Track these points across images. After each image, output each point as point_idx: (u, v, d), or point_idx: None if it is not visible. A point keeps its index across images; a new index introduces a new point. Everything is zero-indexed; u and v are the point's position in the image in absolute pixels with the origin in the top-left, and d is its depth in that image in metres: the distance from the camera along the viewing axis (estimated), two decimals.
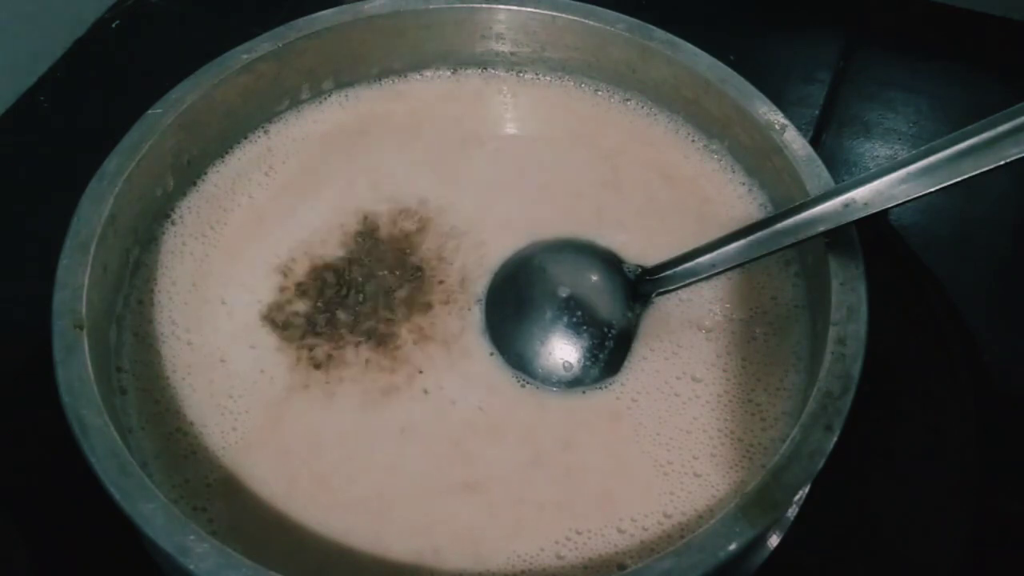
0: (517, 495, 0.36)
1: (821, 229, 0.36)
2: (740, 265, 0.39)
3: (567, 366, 0.38)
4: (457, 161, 0.46)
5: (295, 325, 0.40)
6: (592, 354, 0.39)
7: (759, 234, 0.38)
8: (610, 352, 0.39)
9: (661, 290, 0.40)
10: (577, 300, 0.40)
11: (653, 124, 0.47)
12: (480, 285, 0.41)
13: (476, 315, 0.40)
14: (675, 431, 0.37)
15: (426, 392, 0.38)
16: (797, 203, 0.38)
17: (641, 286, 0.41)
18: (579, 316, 0.39)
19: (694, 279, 0.40)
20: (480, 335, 0.40)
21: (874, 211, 0.35)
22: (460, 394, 0.38)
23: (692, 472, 0.36)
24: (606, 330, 0.39)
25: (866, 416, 0.34)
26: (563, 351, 0.39)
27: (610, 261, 0.41)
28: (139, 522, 0.30)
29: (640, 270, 0.41)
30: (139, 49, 0.59)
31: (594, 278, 0.41)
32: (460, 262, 0.42)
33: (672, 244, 0.41)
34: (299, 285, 0.41)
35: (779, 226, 0.38)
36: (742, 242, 0.39)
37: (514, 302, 0.40)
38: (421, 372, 0.39)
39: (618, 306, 0.40)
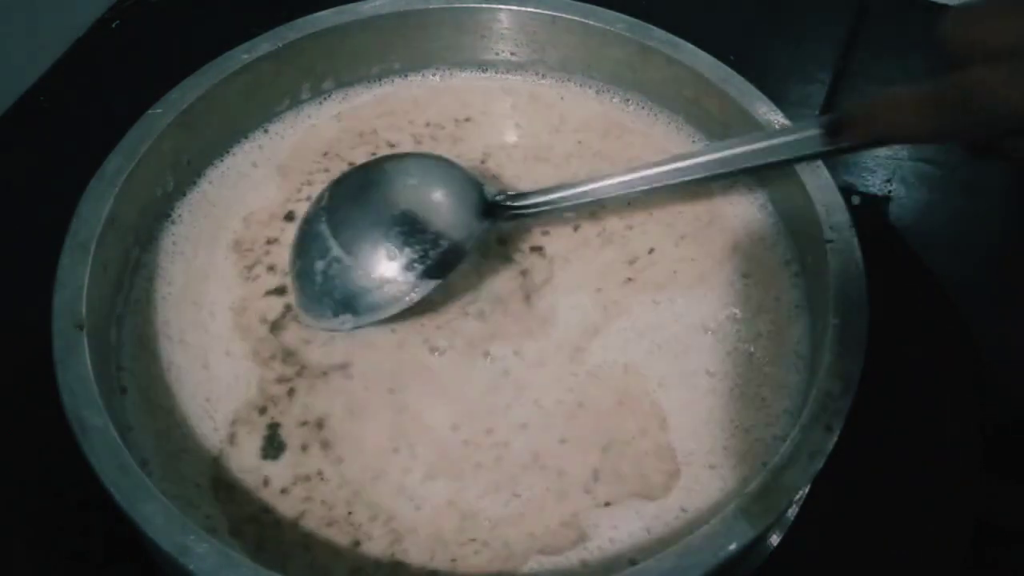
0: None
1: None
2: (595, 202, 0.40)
3: (391, 254, 0.37)
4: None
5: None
6: (417, 257, 0.37)
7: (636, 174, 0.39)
8: (436, 258, 0.37)
9: (517, 211, 0.40)
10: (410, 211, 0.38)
11: (653, 124, 0.47)
12: None
13: None
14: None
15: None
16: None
17: (496, 208, 0.40)
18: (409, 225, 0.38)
19: (553, 205, 0.40)
20: None
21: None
22: None
23: (707, 464, 0.36)
24: (436, 240, 0.37)
25: (866, 416, 0.34)
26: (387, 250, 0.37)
27: (458, 177, 0.40)
28: (139, 522, 0.30)
29: (502, 195, 0.40)
30: (139, 49, 0.59)
31: (435, 193, 0.40)
32: None
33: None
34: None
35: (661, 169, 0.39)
36: (610, 181, 0.40)
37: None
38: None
39: (457, 220, 0.38)
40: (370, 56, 0.48)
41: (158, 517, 0.30)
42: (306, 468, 0.36)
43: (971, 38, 0.28)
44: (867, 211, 0.52)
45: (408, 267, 0.37)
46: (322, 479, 0.36)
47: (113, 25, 0.60)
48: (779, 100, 0.43)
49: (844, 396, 0.34)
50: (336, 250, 0.37)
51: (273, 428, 0.37)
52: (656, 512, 0.35)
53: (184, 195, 0.44)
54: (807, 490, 0.38)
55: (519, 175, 0.46)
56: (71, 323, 0.35)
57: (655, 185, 0.40)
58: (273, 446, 0.37)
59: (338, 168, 0.45)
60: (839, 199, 0.40)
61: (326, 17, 0.46)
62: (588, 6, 0.47)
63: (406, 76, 0.49)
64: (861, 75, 0.59)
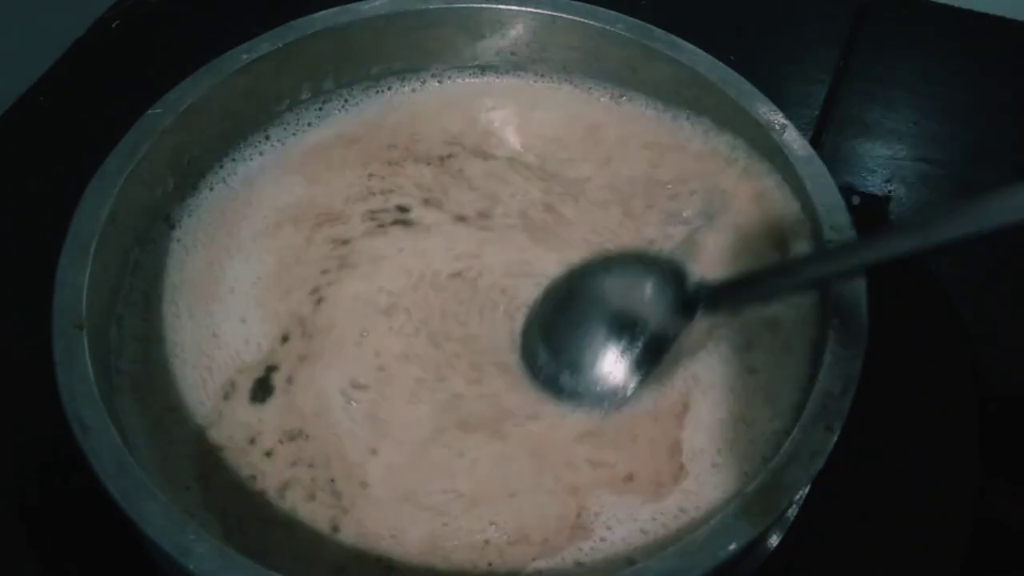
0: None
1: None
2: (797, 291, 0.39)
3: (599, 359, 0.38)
4: (457, 161, 0.46)
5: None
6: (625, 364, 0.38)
7: (825, 262, 0.37)
8: (639, 361, 0.38)
9: (714, 308, 0.39)
10: (620, 317, 0.39)
11: (653, 124, 0.47)
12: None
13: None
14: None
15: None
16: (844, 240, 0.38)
17: (694, 302, 0.39)
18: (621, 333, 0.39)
19: (750, 303, 0.39)
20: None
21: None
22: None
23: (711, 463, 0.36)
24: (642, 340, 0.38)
25: (866, 416, 0.34)
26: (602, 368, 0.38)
27: (662, 271, 0.40)
28: (139, 522, 0.30)
29: (700, 287, 0.40)
30: (139, 49, 0.59)
31: (637, 292, 0.40)
32: None
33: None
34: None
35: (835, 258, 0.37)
36: (804, 269, 0.38)
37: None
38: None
39: (659, 316, 0.39)
40: (370, 56, 0.48)
41: (158, 517, 0.30)
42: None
43: None
44: (867, 211, 0.52)
45: (616, 366, 0.38)
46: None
47: (113, 25, 0.60)
48: (779, 100, 0.43)
49: (844, 396, 0.34)
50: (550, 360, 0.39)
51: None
52: (656, 511, 0.35)
53: (184, 195, 0.44)
54: (807, 490, 0.38)
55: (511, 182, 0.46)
56: (71, 323, 0.35)
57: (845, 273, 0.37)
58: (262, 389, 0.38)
59: (339, 166, 0.45)
60: (839, 199, 0.40)
61: (326, 17, 0.46)
62: (588, 6, 0.47)
63: (406, 76, 0.49)
64: (861, 75, 0.59)
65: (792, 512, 0.39)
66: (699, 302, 0.39)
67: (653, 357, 0.38)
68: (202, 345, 0.39)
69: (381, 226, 0.44)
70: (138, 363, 0.38)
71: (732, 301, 0.39)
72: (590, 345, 0.39)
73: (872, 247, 0.34)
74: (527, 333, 0.40)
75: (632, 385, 0.38)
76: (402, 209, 0.44)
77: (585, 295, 0.40)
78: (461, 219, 0.44)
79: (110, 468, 0.31)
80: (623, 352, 0.38)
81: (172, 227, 0.43)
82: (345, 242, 0.43)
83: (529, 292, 0.41)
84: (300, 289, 0.41)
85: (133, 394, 0.37)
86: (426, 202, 0.45)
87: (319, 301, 0.41)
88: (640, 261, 0.42)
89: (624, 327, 0.39)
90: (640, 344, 0.38)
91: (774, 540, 0.38)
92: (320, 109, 0.48)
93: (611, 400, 0.38)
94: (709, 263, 0.42)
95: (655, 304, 0.39)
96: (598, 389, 0.38)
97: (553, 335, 0.39)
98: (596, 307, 0.40)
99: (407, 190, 0.45)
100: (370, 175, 0.45)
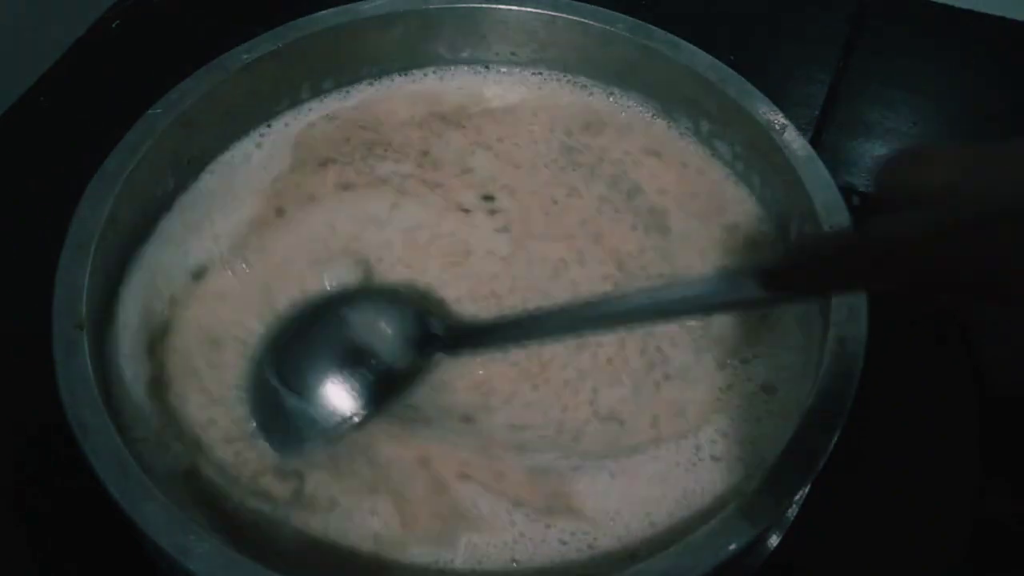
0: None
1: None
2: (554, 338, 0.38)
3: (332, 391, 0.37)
4: (457, 161, 0.46)
5: None
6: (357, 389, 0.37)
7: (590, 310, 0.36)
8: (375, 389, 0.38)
9: (454, 350, 0.39)
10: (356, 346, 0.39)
11: (652, 124, 0.47)
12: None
13: None
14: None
15: None
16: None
17: (437, 340, 0.39)
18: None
19: (496, 345, 0.39)
20: None
21: None
22: None
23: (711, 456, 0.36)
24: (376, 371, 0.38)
25: (866, 416, 0.34)
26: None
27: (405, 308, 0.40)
28: (139, 522, 0.30)
29: (445, 325, 0.39)
30: (139, 49, 0.59)
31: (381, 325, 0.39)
32: None
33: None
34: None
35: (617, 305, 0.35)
36: (564, 319, 0.36)
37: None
38: None
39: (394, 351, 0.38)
40: (370, 56, 0.48)
41: (158, 517, 0.30)
42: None
43: (898, 183, 0.26)
44: (867, 211, 0.52)
45: (348, 398, 0.37)
46: None
47: (113, 25, 0.60)
48: (779, 100, 0.43)
49: (844, 396, 0.34)
50: (282, 391, 0.37)
51: None
52: (656, 510, 0.35)
53: (184, 195, 0.44)
54: (807, 490, 0.38)
55: (512, 182, 0.46)
56: (71, 323, 0.35)
57: (596, 329, 0.38)
58: None
59: (337, 167, 0.45)
60: (839, 199, 0.40)
61: (326, 17, 0.46)
62: (588, 6, 0.47)
63: (406, 76, 0.49)
64: (861, 75, 0.59)
65: (792, 512, 0.39)
66: (440, 342, 0.39)
67: (386, 390, 0.38)
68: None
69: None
70: (138, 363, 0.38)
71: (475, 343, 0.39)
72: (321, 373, 0.38)
73: (619, 307, 0.34)
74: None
75: (361, 414, 0.37)
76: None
77: (323, 326, 0.39)
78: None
79: (110, 468, 0.31)
80: (353, 382, 0.37)
81: (172, 226, 0.43)
82: None
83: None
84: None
85: (133, 394, 0.37)
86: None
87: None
88: (386, 297, 0.41)
89: (357, 358, 0.38)
90: (372, 376, 0.38)
91: (774, 540, 0.38)
92: (320, 108, 0.48)
93: (337, 427, 0.37)
94: (709, 263, 0.42)
95: (391, 339, 0.39)
96: (325, 414, 0.37)
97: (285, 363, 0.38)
98: (331, 338, 0.39)
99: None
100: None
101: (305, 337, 0.39)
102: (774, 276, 0.29)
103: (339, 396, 0.37)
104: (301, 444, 0.37)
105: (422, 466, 0.36)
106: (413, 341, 0.39)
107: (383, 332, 0.39)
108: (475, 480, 0.36)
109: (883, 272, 0.25)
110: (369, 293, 0.41)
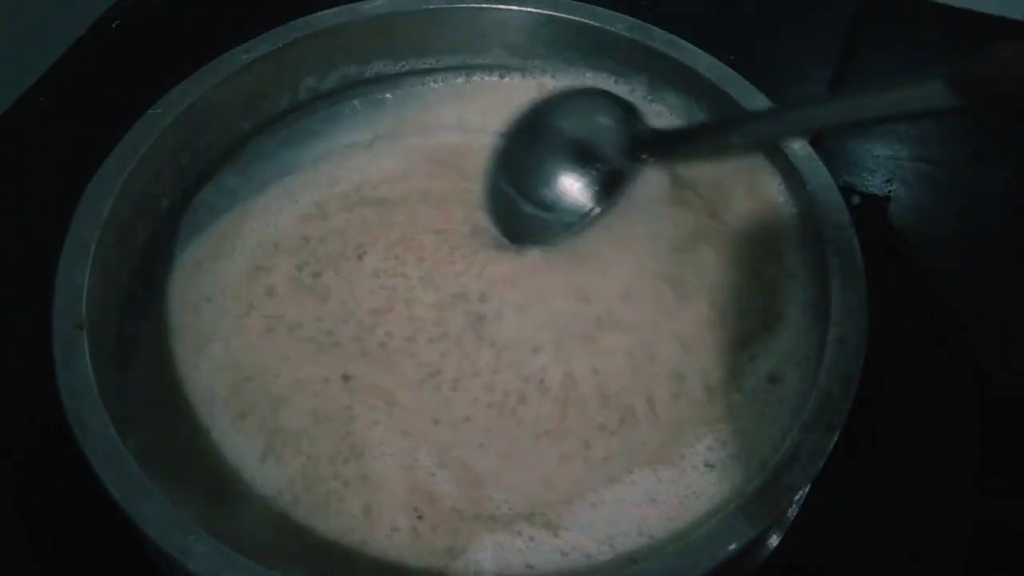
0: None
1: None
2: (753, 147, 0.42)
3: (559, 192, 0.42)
4: (456, 161, 0.46)
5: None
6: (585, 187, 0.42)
7: (780, 117, 0.40)
8: (598, 188, 0.42)
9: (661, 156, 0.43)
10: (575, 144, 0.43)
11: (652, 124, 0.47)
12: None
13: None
14: None
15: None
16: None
17: (646, 146, 0.43)
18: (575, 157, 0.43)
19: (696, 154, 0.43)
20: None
21: None
22: None
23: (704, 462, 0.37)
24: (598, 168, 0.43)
25: (866, 416, 0.34)
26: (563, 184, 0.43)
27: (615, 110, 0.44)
28: (139, 522, 0.30)
29: (653, 132, 0.43)
30: (139, 49, 0.59)
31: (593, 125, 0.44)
32: None
33: None
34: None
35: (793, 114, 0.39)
36: (750, 127, 0.41)
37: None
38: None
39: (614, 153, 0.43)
40: (370, 56, 0.48)
41: (158, 517, 0.30)
42: None
43: None
44: (867, 211, 0.52)
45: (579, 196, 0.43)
46: None
47: (113, 25, 0.60)
48: (779, 100, 0.43)
49: (844, 396, 0.34)
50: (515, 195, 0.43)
51: None
52: (656, 509, 0.35)
53: (184, 195, 0.44)
54: (807, 490, 0.38)
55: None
56: (71, 323, 0.35)
57: (792, 134, 0.40)
58: None
59: (338, 165, 0.45)
60: (839, 199, 0.40)
61: (326, 17, 0.46)
62: (588, 6, 0.47)
63: (406, 76, 0.49)
64: (861, 75, 0.59)
65: (792, 512, 0.39)
66: (649, 144, 0.42)
67: (609, 189, 0.43)
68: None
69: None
70: (138, 363, 0.38)
71: (679, 148, 0.43)
72: (551, 174, 0.43)
73: (813, 112, 0.38)
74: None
75: (595, 208, 0.42)
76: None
77: (543, 131, 0.44)
78: None
79: (110, 468, 0.31)
80: (582, 180, 0.43)
81: (172, 226, 0.43)
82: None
83: None
84: None
85: (133, 394, 0.37)
86: None
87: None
88: (594, 97, 0.45)
89: (581, 158, 0.43)
90: (596, 174, 0.42)
91: (774, 540, 0.38)
92: (322, 108, 0.48)
93: (577, 220, 0.42)
94: (706, 263, 0.42)
95: (609, 138, 0.43)
96: (563, 208, 0.42)
97: (516, 171, 0.44)
98: (554, 142, 0.44)
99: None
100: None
101: (531, 148, 0.44)
102: (966, 81, 0.28)
103: (571, 194, 0.42)
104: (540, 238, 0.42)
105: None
106: (623, 145, 0.43)
107: (599, 135, 0.43)
108: None
109: None
110: (577, 96, 0.45)
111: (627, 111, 0.44)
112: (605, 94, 0.45)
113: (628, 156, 0.43)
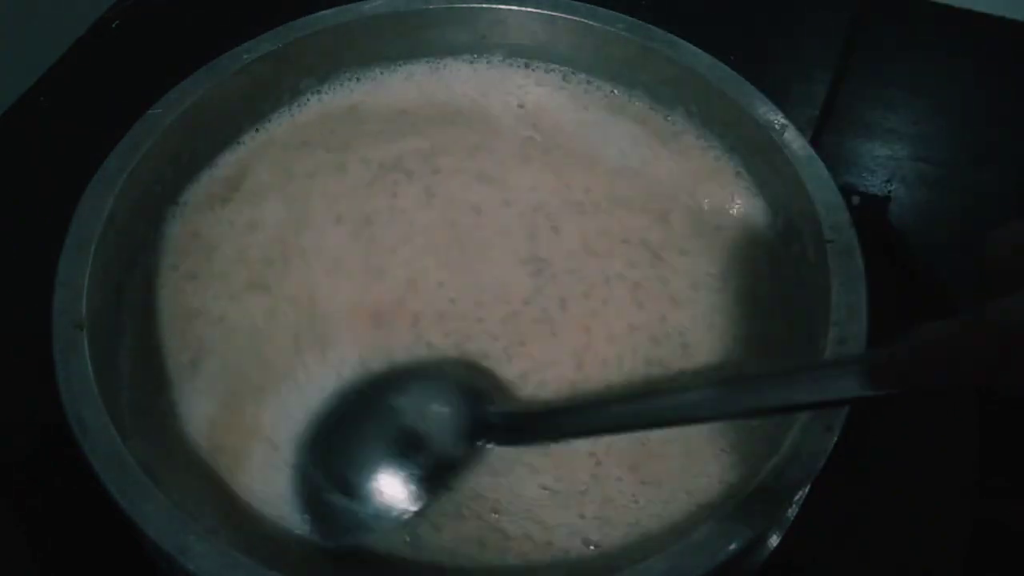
0: None
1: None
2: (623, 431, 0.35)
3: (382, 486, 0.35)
4: (456, 160, 0.46)
5: None
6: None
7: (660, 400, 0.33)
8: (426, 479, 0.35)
9: (504, 442, 0.36)
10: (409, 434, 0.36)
11: (652, 124, 0.47)
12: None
13: None
14: None
15: None
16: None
17: (488, 430, 0.36)
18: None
19: (550, 439, 0.36)
20: None
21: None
22: None
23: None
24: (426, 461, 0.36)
25: (866, 416, 0.34)
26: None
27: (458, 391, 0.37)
28: (139, 522, 0.30)
29: (499, 415, 0.37)
30: (139, 49, 0.59)
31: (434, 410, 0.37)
32: None
33: None
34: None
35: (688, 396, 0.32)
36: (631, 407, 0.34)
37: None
38: None
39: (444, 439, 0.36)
40: (370, 56, 0.48)
41: (158, 517, 0.30)
42: None
43: (1009, 260, 0.23)
44: (867, 211, 0.52)
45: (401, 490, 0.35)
46: None
47: (113, 25, 0.60)
48: (779, 100, 0.43)
49: None
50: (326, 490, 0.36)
51: None
52: (657, 509, 0.35)
53: (184, 195, 0.44)
54: (807, 490, 0.38)
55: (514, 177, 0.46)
56: (71, 323, 0.35)
57: (661, 424, 0.35)
58: None
59: (338, 166, 0.45)
60: (839, 199, 0.40)
61: (326, 17, 0.46)
62: (588, 6, 0.47)
63: (406, 75, 0.49)
64: (861, 75, 0.59)
65: (792, 512, 0.39)
66: (489, 430, 0.36)
67: (437, 480, 0.35)
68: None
69: None
70: (139, 362, 0.38)
71: (524, 435, 0.36)
72: (368, 471, 0.36)
73: (693, 399, 0.32)
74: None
75: (413, 508, 0.35)
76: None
77: (368, 418, 0.37)
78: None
79: (110, 468, 0.31)
80: (404, 473, 0.35)
81: (172, 225, 0.43)
82: None
83: None
84: None
85: (133, 394, 0.37)
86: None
87: None
88: (434, 379, 0.38)
89: (407, 446, 0.36)
90: (422, 465, 0.36)
91: (774, 540, 0.38)
92: (321, 108, 0.48)
93: (389, 520, 0.35)
94: (707, 264, 0.42)
95: (442, 426, 0.36)
96: (376, 507, 0.35)
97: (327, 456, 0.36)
98: (377, 431, 0.36)
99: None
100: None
101: (349, 431, 0.37)
102: (884, 371, 0.25)
103: (388, 493, 0.35)
104: (348, 538, 0.35)
105: None
106: (465, 431, 0.36)
107: (434, 422, 0.37)
108: None
109: (1018, 363, 0.22)
110: (415, 375, 0.38)
111: (475, 394, 0.37)
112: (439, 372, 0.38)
113: (466, 442, 0.36)
